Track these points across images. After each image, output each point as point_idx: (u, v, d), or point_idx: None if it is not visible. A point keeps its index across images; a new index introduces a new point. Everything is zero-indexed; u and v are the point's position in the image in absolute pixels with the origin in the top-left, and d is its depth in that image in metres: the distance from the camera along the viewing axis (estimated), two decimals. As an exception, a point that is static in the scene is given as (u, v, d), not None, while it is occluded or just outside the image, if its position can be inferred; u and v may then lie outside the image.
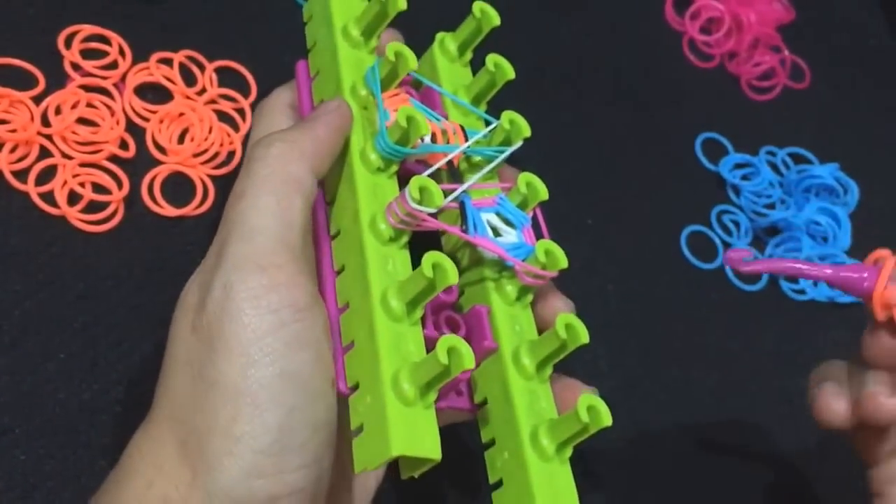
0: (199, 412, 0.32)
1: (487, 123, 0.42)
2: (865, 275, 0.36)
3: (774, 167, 0.69)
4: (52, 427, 0.43)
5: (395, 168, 0.38)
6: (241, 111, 0.54)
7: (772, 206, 0.66)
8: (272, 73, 0.56)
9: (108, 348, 0.45)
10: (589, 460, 0.49)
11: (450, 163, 0.39)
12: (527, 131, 0.41)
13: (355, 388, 0.34)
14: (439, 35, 0.45)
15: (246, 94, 0.55)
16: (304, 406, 0.32)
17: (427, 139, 0.38)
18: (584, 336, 0.36)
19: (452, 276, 0.33)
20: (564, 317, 0.36)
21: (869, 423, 0.39)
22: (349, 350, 0.35)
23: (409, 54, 0.38)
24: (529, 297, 0.39)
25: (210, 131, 0.52)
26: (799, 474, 0.59)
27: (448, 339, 0.32)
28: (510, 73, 0.42)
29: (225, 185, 0.52)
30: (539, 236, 0.39)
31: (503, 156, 0.41)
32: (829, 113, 0.74)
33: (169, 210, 0.50)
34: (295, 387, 0.32)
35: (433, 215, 0.35)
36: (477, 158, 0.42)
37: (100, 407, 0.44)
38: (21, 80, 0.50)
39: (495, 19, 0.42)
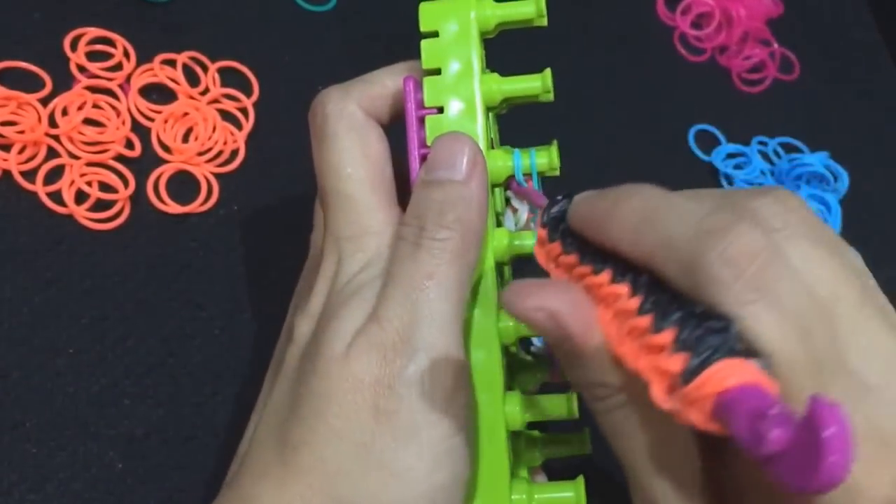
0: (367, 497, 0.31)
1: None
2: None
3: (766, 156, 0.69)
4: (62, 420, 0.44)
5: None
6: (243, 110, 0.55)
7: (764, 195, 0.67)
8: (273, 72, 0.57)
9: (115, 342, 0.46)
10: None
11: None
12: None
13: None
14: None
15: (248, 94, 0.56)
16: None
17: None
18: None
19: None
20: None
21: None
22: None
23: (558, 160, 0.36)
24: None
25: (214, 130, 0.53)
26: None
27: (581, 483, 0.35)
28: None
29: (228, 182, 0.52)
30: None
31: None
32: (818, 103, 0.74)
33: (174, 207, 0.50)
34: (461, 491, 0.32)
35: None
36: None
37: (108, 400, 0.45)
38: (28, 83, 0.51)
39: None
